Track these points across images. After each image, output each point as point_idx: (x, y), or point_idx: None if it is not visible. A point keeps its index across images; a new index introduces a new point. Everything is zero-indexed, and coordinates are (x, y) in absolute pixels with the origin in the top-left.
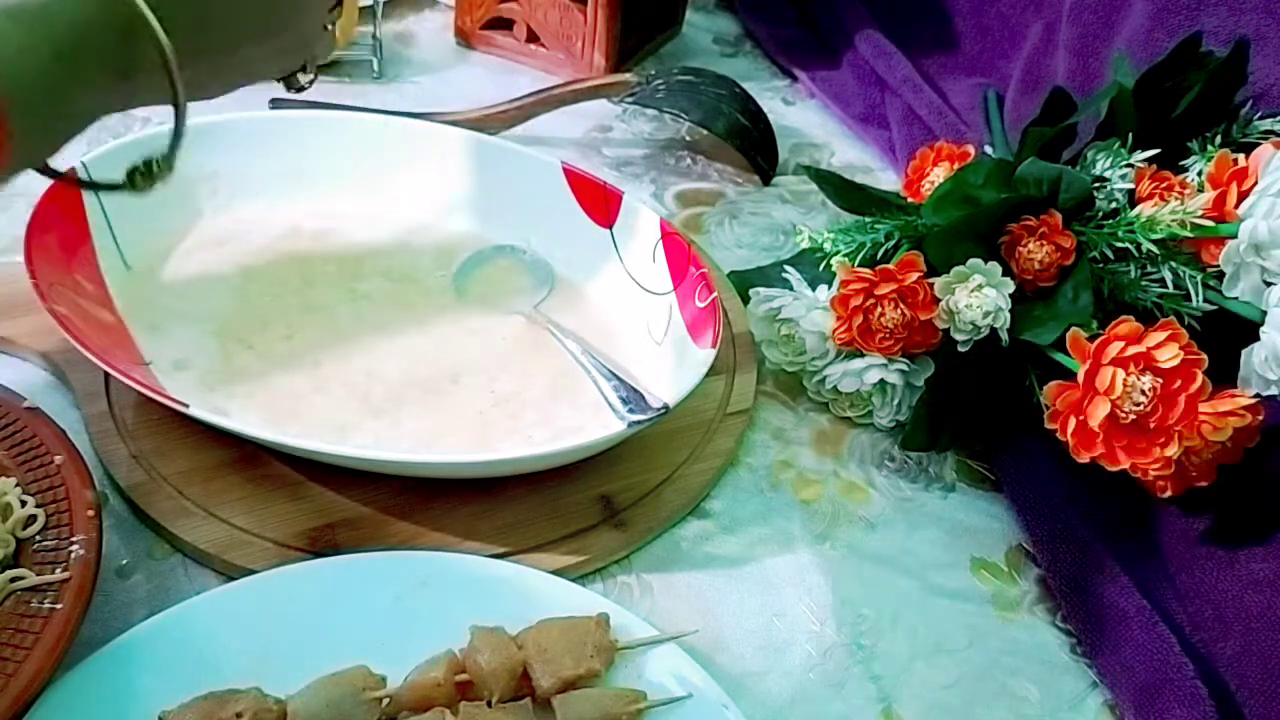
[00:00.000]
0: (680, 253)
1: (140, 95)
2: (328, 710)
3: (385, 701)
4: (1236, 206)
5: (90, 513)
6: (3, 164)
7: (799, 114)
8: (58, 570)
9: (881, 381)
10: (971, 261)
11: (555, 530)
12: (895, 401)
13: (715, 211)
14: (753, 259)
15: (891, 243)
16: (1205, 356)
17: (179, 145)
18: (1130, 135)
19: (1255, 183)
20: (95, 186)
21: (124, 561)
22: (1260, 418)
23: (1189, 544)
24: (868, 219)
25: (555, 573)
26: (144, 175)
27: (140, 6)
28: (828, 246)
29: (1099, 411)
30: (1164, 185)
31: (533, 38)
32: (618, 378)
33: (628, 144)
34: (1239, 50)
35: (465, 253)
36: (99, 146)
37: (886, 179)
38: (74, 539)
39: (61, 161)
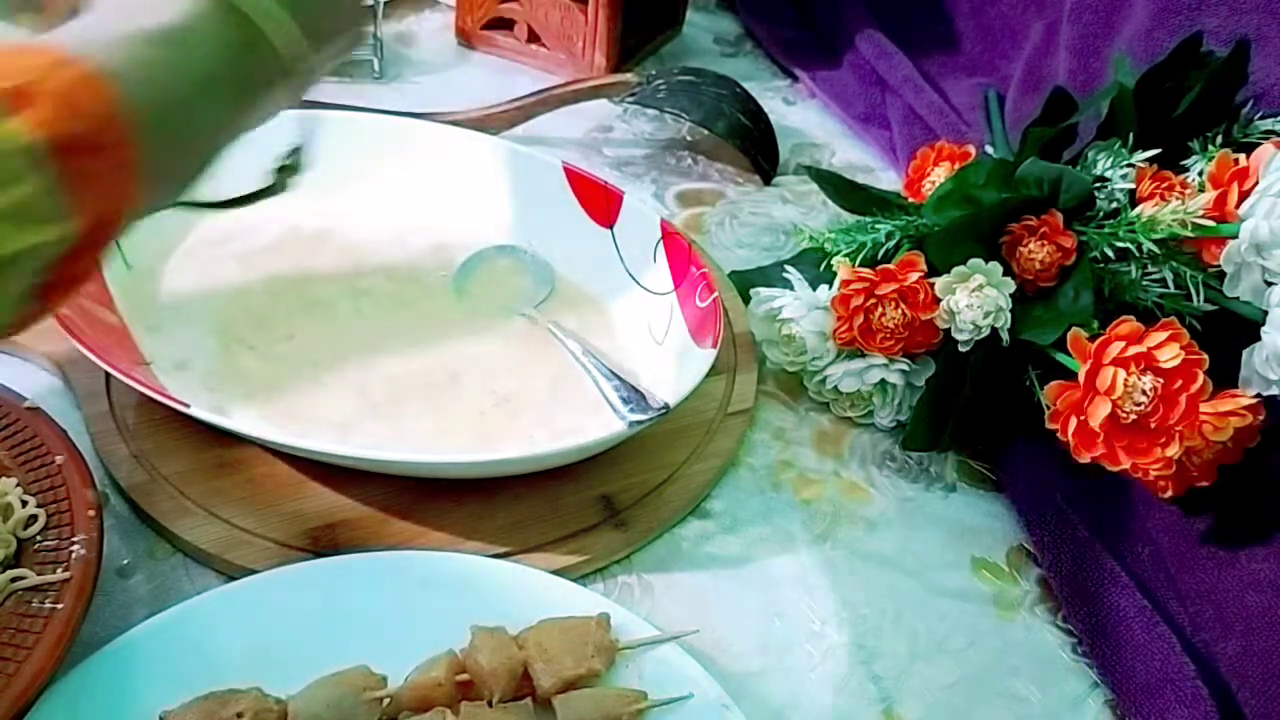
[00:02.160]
0: (681, 253)
1: (255, 117)
2: (328, 710)
3: (386, 701)
4: (1237, 206)
5: (91, 513)
6: (133, 201)
7: (800, 114)
8: (58, 570)
9: (882, 381)
10: (972, 262)
11: (556, 530)
12: (896, 401)
13: (716, 211)
14: (753, 259)
15: (892, 243)
16: (1206, 356)
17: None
18: (1131, 135)
19: (1256, 183)
20: (244, 201)
21: (125, 561)
22: (1260, 418)
23: (1189, 544)
24: (868, 219)
25: (556, 573)
26: (289, 170)
27: (260, 20)
28: (828, 246)
29: (1100, 411)
30: (1165, 185)
31: (533, 38)
32: (618, 377)
33: (628, 144)
34: (1239, 50)
35: (465, 253)
36: None
37: (887, 179)
38: (75, 539)
39: None
